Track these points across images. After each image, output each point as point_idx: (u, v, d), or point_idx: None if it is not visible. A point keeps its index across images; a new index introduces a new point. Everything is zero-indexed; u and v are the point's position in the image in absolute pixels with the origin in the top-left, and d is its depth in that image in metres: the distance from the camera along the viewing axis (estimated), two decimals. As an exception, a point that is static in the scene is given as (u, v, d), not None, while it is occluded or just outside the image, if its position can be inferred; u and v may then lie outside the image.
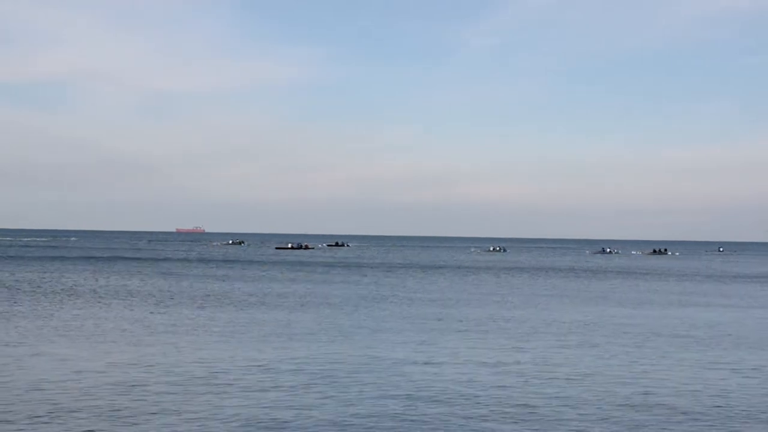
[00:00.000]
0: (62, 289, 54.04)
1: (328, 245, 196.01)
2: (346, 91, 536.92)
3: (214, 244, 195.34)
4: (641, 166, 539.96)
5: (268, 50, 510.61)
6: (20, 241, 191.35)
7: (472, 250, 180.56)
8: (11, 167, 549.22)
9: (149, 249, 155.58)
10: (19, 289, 52.74)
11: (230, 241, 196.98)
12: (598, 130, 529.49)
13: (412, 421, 17.60)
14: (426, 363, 25.73)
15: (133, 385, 20.89)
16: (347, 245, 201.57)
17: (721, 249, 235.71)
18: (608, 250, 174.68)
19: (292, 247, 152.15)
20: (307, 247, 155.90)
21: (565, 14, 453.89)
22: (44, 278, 64.67)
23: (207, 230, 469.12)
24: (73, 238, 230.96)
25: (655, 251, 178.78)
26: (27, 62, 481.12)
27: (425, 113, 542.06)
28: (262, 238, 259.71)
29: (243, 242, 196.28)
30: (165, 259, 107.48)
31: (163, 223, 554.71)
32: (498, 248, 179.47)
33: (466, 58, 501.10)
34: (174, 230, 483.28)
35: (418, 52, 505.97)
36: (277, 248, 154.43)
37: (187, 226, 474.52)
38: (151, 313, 39.83)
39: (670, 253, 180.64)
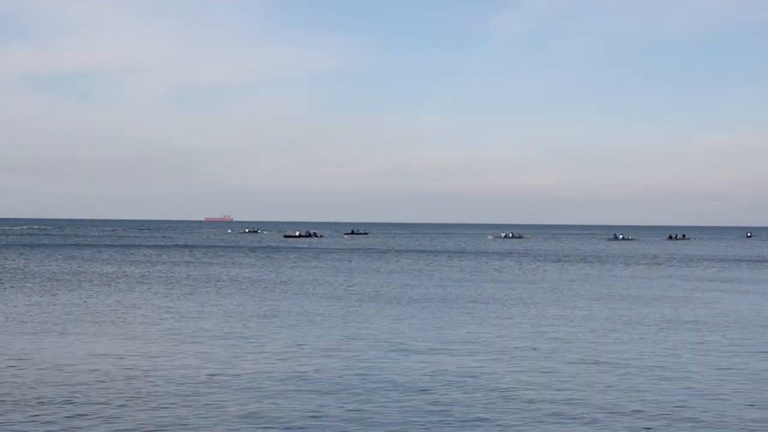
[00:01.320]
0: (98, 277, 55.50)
1: (345, 233, 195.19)
2: (376, 80, 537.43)
3: (228, 231, 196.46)
4: (674, 151, 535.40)
5: (298, 39, 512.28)
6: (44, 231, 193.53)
7: (489, 237, 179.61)
8: (47, 160, 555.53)
9: (157, 237, 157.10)
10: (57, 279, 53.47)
11: (246, 230, 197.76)
12: (631, 115, 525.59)
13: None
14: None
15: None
16: (365, 233, 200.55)
17: (750, 234, 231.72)
18: (620, 236, 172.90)
19: (300, 235, 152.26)
20: (315, 235, 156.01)
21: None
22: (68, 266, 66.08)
23: (235, 219, 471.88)
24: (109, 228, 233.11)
25: (671, 237, 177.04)
26: (59, 55, 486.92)
27: (457, 101, 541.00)
28: (286, 227, 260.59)
29: (259, 230, 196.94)
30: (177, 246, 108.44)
31: (195, 212, 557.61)
32: (512, 234, 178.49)
33: (498, 44, 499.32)
34: (203, 219, 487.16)
35: (450, 40, 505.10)
36: (285, 236, 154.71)
37: (216, 215, 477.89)
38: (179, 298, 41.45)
39: (689, 238, 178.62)
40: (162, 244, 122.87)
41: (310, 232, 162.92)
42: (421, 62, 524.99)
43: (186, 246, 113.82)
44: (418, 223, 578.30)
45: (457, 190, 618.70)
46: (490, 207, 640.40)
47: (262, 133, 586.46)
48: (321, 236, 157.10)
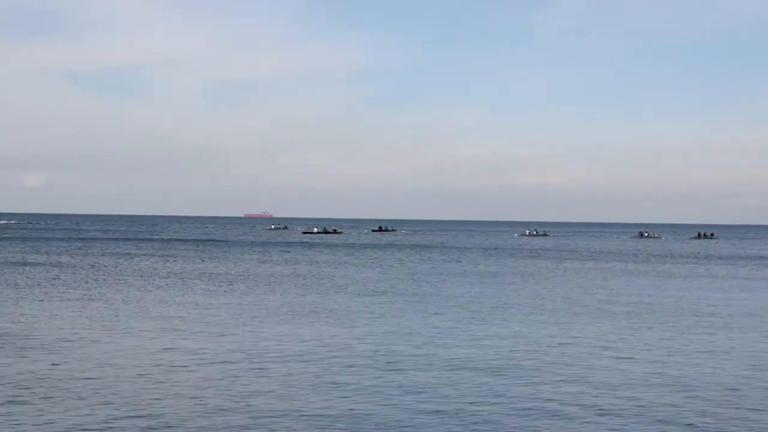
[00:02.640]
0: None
1: (373, 230, 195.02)
2: (414, 76, 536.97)
3: (255, 227, 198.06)
4: (710, 148, 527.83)
5: (335, 35, 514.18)
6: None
7: (515, 234, 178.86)
8: (86, 156, 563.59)
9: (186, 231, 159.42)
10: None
11: (272, 226, 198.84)
12: (668, 111, 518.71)
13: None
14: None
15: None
16: (392, 229, 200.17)
17: None
18: (646, 233, 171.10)
19: (318, 232, 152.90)
20: (335, 232, 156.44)
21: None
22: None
23: (274, 215, 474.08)
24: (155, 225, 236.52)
25: (700, 235, 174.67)
26: (99, 51, 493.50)
27: (496, 98, 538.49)
28: (321, 224, 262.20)
29: (287, 227, 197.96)
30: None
31: (234, 208, 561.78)
32: (536, 232, 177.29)
33: (538, 41, 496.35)
34: (242, 215, 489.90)
35: (489, 36, 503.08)
36: (304, 233, 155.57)
37: (256, 211, 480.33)
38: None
39: (717, 237, 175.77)
40: (176, 238, 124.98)
41: (327, 229, 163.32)
42: (461, 59, 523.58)
43: (194, 241, 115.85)
44: (454, 220, 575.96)
45: (493, 187, 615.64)
46: (527, 204, 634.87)
47: (299, 130, 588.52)
48: (340, 233, 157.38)
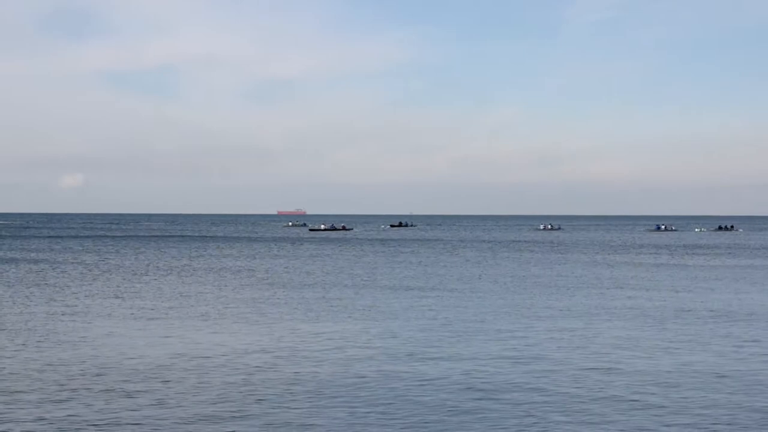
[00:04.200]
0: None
1: (391, 225, 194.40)
2: (449, 70, 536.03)
3: (270, 224, 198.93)
4: (754, 141, 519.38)
5: (371, 32, 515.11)
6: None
7: (539, 227, 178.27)
8: (126, 155, 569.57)
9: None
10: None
11: (290, 223, 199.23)
12: (709, 104, 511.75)
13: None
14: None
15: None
16: (412, 224, 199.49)
17: None
18: (663, 226, 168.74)
19: (325, 229, 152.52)
20: (344, 228, 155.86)
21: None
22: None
23: (309, 213, 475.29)
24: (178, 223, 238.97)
25: (720, 228, 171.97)
26: (138, 51, 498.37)
27: (532, 92, 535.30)
28: (354, 220, 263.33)
29: (305, 224, 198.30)
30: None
31: (271, 206, 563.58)
32: (551, 226, 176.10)
33: (573, 34, 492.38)
34: (276, 213, 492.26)
35: (524, 29, 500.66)
36: (311, 230, 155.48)
37: (290, 208, 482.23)
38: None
39: (739, 230, 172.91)
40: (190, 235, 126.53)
41: (335, 225, 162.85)
42: (498, 53, 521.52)
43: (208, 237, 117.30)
44: (493, 215, 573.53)
45: (533, 181, 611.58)
46: (567, 197, 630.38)
47: (337, 127, 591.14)
48: (350, 229, 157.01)
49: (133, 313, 32.10)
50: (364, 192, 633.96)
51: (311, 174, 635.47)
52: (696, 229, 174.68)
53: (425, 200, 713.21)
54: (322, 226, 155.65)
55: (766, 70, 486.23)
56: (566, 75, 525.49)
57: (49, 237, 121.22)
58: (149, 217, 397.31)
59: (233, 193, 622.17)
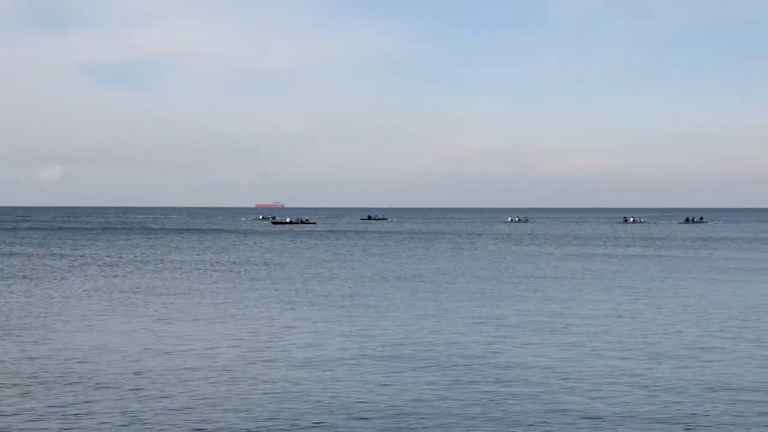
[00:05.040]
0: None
1: (361, 219, 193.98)
2: (432, 63, 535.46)
3: (242, 219, 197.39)
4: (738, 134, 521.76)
5: (353, 25, 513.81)
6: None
7: (509, 219, 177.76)
8: (118, 147, 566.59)
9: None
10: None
11: (260, 216, 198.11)
12: (693, 96, 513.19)
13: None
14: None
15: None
16: (383, 218, 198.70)
17: None
18: (631, 219, 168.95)
19: (290, 222, 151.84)
20: (307, 222, 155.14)
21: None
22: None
23: (288, 206, 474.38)
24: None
25: (688, 219, 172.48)
26: (120, 43, 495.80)
27: (515, 85, 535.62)
28: (319, 212, 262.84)
29: (275, 217, 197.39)
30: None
31: (251, 199, 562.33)
32: (518, 219, 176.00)
33: (557, 26, 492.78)
34: (254, 206, 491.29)
35: (507, 22, 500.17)
36: (273, 223, 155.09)
37: (269, 202, 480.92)
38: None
39: (707, 221, 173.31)
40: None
41: (301, 218, 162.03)
42: (481, 45, 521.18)
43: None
44: (470, 208, 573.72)
45: (511, 174, 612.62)
46: (547, 191, 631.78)
47: (321, 121, 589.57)
48: (314, 223, 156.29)
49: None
50: (346, 185, 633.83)
51: (294, 167, 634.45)
52: (663, 222, 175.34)
53: (408, 193, 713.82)
54: (287, 219, 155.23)
55: (747, 65, 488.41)
56: (548, 67, 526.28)
57: (26, 229, 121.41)
58: (127, 210, 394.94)
59: (215, 187, 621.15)
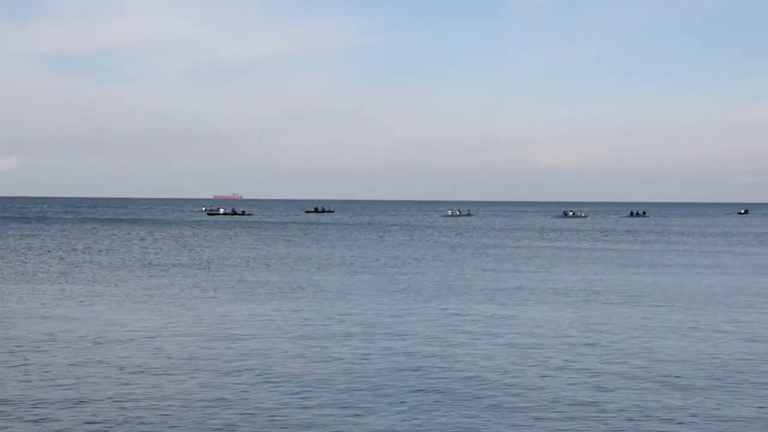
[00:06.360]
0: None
1: (306, 211, 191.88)
2: (400, 54, 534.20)
3: (190, 210, 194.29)
4: (709, 124, 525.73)
5: (323, 14, 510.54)
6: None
7: (449, 212, 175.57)
8: (68, 137, 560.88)
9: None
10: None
11: (203, 208, 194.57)
12: (662, 88, 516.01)
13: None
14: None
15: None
16: (330, 210, 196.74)
17: (745, 211, 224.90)
18: (571, 213, 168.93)
19: (225, 213, 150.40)
20: (243, 213, 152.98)
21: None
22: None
23: (245, 197, 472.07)
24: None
25: (632, 213, 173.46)
26: (80, 33, 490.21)
27: (483, 76, 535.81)
28: (276, 204, 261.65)
29: (221, 209, 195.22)
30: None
31: (209, 190, 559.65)
32: (459, 212, 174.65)
33: (524, 16, 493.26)
34: (212, 197, 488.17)
35: (474, 12, 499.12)
36: (209, 213, 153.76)
37: (227, 193, 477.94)
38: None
39: (649, 215, 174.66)
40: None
41: (236, 210, 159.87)
42: (443, 36, 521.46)
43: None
44: (434, 200, 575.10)
45: (475, 166, 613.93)
46: (506, 183, 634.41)
47: (283, 111, 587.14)
48: (251, 214, 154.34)
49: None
50: (312, 177, 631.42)
51: (257, 158, 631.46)
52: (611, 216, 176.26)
53: (369, 184, 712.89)
54: (221, 210, 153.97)
55: (721, 53, 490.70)
56: (514, 58, 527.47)
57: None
58: (81, 200, 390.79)
59: (177, 176, 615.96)
